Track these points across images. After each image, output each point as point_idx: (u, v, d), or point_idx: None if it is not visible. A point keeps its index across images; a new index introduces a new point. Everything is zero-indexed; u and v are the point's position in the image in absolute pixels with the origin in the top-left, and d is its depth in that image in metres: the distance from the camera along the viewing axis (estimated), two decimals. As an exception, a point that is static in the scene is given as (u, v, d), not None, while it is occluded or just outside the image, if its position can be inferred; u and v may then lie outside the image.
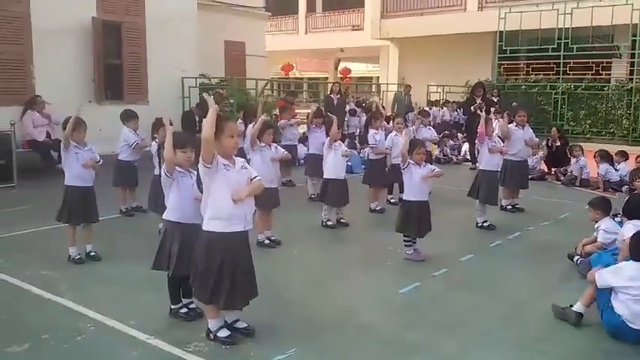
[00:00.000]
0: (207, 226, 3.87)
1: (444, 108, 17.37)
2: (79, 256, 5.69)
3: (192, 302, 4.38)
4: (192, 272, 3.98)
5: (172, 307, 4.39)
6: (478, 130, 7.42)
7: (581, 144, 11.76)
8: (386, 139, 8.36)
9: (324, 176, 7.30)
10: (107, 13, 11.88)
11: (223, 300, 3.86)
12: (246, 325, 4.11)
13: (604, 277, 4.23)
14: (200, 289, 3.92)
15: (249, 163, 6.33)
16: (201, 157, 3.74)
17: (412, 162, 5.83)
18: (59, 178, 5.88)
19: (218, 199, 3.80)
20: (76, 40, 11.43)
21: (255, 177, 3.98)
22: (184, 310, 4.38)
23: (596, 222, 5.83)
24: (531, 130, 8.62)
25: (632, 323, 4.08)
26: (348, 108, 15.06)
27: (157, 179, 5.40)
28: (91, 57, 11.63)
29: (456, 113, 16.93)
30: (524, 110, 8.80)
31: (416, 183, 5.85)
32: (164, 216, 4.33)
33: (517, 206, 8.40)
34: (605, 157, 10.34)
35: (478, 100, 12.10)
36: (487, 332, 4.29)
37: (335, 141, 7.19)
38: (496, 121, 9.27)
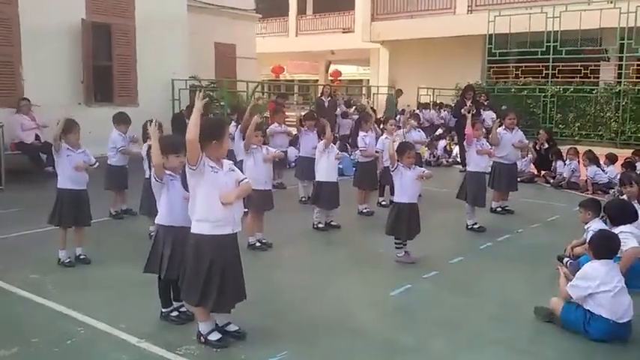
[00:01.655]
0: (195, 228, 3.86)
1: (442, 111, 17.45)
2: (69, 260, 5.65)
3: (183, 305, 4.36)
4: (180, 274, 3.97)
5: (163, 310, 4.37)
6: (466, 132, 7.46)
7: (571, 146, 11.87)
8: (377, 141, 8.38)
9: (317, 179, 7.30)
10: (96, 15, 11.81)
11: (212, 302, 3.86)
12: (238, 328, 4.10)
13: (578, 286, 4.25)
14: (189, 292, 3.91)
15: (241, 166, 6.35)
16: (187, 159, 3.74)
17: (402, 164, 5.85)
18: (48, 180, 5.86)
19: (205, 201, 3.79)
20: (66, 42, 11.36)
21: (242, 179, 3.98)
22: (175, 313, 4.36)
23: (587, 223, 5.86)
24: (521, 133, 8.67)
25: (621, 319, 4.13)
26: (339, 111, 15.08)
27: (147, 182, 5.37)
28: (81, 59, 11.57)
29: (445, 113, 17.04)
30: (514, 113, 8.85)
31: (406, 185, 5.87)
32: (156, 220, 4.32)
33: (507, 208, 8.44)
34: (592, 159, 10.42)
35: (468, 103, 12.16)
36: (478, 334, 4.31)
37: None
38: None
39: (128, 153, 7.61)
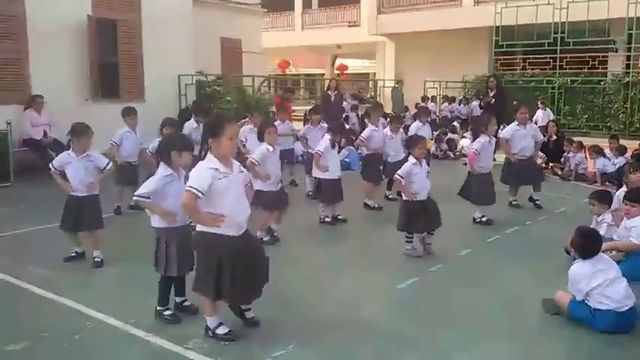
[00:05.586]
0: (201, 227, 3.86)
1: (462, 104, 17.47)
2: (73, 253, 5.66)
3: (186, 300, 4.40)
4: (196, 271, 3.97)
5: (158, 308, 4.32)
6: (468, 156, 7.45)
7: (579, 138, 11.80)
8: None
9: (316, 175, 7.30)
10: (102, 11, 11.81)
11: (228, 297, 3.90)
12: (253, 315, 4.16)
13: (573, 289, 4.30)
14: (203, 287, 3.90)
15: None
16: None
17: (412, 162, 5.84)
18: (56, 177, 5.85)
19: (213, 205, 3.77)
20: (72, 38, 11.38)
21: (249, 182, 4.05)
22: (168, 312, 4.31)
23: (599, 215, 5.84)
24: (535, 126, 8.46)
25: (622, 307, 4.12)
26: (345, 104, 15.07)
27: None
28: (87, 55, 11.60)
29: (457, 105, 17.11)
30: (525, 107, 8.68)
31: (416, 183, 5.83)
32: (155, 224, 4.32)
33: (537, 202, 8.22)
34: (598, 151, 10.38)
35: (491, 94, 12.26)
36: (485, 326, 4.30)
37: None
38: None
39: (112, 157, 7.35)
